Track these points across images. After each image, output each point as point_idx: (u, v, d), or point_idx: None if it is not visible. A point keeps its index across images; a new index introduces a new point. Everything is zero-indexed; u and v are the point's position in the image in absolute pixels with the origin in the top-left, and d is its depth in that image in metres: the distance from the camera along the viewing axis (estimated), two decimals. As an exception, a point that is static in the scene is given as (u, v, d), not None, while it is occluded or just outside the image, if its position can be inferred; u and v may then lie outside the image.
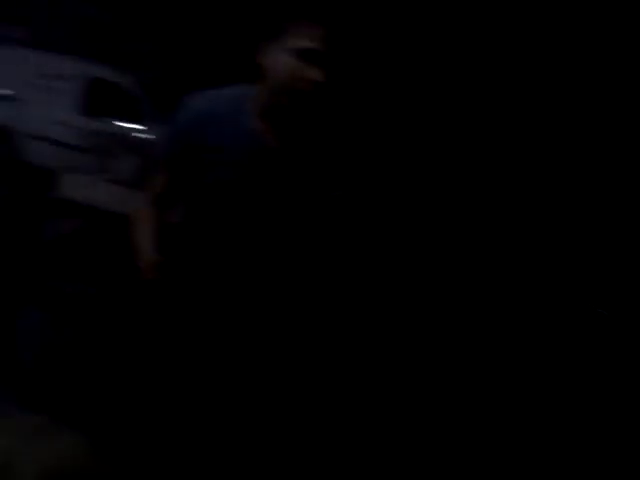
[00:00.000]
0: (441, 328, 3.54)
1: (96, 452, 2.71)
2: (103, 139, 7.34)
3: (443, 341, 3.46)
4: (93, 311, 4.13)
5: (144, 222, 2.05)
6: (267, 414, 2.04)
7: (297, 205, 1.93)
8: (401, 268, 3.70)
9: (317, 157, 1.94)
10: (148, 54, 10.00)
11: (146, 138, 7.99)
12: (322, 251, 2.03)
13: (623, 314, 3.59)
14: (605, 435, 3.28)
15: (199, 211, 2.01)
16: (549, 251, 3.78)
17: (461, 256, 3.83)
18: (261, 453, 2.06)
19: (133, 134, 8.11)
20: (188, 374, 2.04)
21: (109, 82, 8.56)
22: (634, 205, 3.93)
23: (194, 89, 1.95)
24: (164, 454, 2.10)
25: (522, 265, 3.76)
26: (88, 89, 8.61)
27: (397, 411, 3.02)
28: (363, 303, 3.48)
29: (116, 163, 6.93)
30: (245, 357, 2.00)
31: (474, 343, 3.51)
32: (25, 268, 4.54)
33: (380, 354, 3.37)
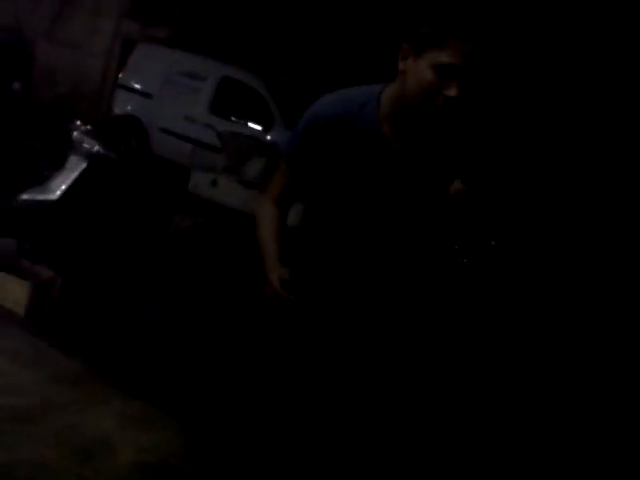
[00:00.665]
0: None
1: (193, 445, 2.79)
2: (234, 139, 7.54)
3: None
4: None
5: (269, 223, 2.05)
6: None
7: (415, 210, 1.92)
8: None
9: (437, 167, 1.91)
10: (279, 57, 10.19)
11: (274, 140, 8.16)
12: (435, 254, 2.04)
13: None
14: (605, 432, 3.12)
15: (320, 212, 2.02)
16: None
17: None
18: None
19: (262, 136, 8.31)
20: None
21: (242, 84, 8.81)
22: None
23: (322, 92, 1.96)
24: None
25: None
26: (221, 89, 8.90)
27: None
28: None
29: (245, 164, 7.09)
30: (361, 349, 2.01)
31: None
32: (145, 258, 4.73)
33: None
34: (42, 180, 4.17)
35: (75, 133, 4.35)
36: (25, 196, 4.07)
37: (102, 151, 4.35)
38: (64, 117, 4.34)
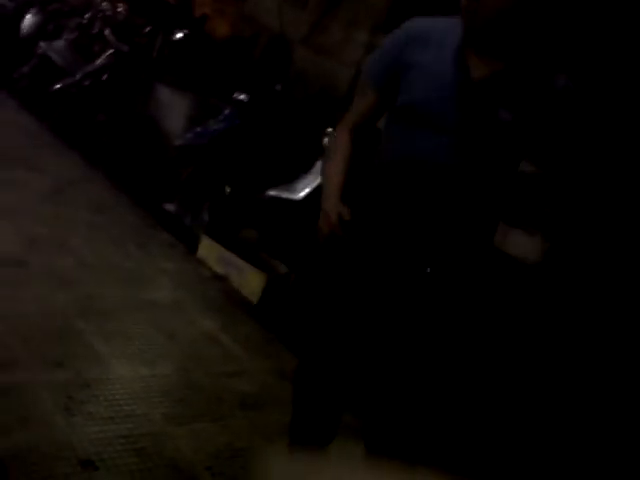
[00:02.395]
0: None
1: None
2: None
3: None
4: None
5: (339, 155, 2.06)
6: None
7: (486, 137, 1.83)
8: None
9: (512, 121, 1.82)
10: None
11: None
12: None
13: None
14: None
15: (391, 132, 1.98)
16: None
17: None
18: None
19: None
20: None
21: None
22: None
23: None
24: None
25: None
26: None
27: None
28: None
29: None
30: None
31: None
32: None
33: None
34: (291, 179, 4.37)
35: (326, 139, 4.52)
36: (272, 192, 4.30)
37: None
38: (313, 119, 4.53)
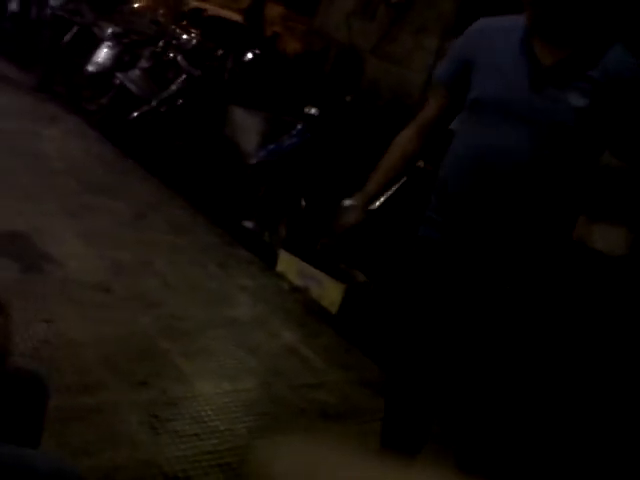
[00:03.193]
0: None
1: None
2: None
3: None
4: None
5: (396, 150, 2.05)
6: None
7: (562, 125, 1.78)
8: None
9: (589, 107, 1.77)
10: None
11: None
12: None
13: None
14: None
15: (463, 130, 1.95)
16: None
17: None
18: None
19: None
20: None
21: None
22: None
23: None
24: None
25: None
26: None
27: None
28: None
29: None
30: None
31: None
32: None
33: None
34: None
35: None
36: (347, 203, 4.29)
37: (422, 166, 4.43)
38: (385, 127, 4.51)
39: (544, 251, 1.91)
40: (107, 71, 6.00)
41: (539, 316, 1.97)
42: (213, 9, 8.88)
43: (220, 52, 6.14)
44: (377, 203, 4.24)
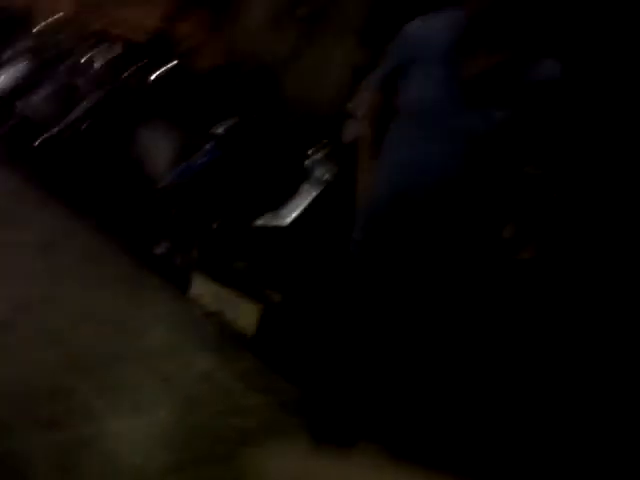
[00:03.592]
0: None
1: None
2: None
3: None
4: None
5: (367, 154, 2.11)
6: None
7: (481, 136, 1.82)
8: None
9: (507, 123, 1.80)
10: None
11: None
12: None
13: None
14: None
15: (391, 138, 1.99)
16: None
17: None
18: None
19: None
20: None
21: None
22: None
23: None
24: None
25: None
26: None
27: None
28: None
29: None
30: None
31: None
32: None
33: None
34: (277, 205, 4.33)
35: (307, 161, 4.48)
36: (259, 222, 4.26)
37: (332, 179, 4.43)
38: (296, 143, 4.51)
39: (469, 264, 1.93)
40: (6, 98, 5.80)
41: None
42: (120, 31, 8.72)
43: (125, 73, 6.02)
44: (288, 220, 4.23)
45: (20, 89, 5.89)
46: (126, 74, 6.06)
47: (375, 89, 2.11)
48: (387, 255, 1.95)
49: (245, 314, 3.61)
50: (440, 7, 1.95)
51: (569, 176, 2.58)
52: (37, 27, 8.35)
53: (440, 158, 1.82)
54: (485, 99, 1.80)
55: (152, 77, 6.06)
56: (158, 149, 5.27)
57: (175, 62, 6.86)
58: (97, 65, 6.23)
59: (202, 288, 3.87)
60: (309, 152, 4.54)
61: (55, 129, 5.34)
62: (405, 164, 1.89)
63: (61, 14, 8.30)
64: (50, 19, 8.25)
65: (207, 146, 4.73)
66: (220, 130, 4.71)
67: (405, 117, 1.91)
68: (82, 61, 6.29)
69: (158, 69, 6.17)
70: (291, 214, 4.22)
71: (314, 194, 4.34)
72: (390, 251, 1.95)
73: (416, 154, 1.86)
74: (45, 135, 5.32)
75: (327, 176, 4.44)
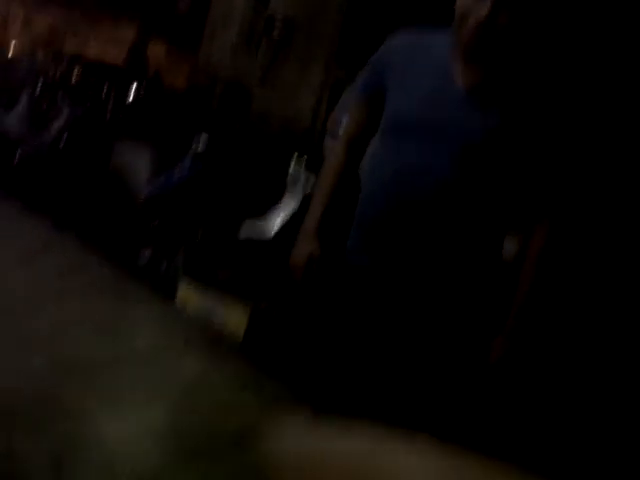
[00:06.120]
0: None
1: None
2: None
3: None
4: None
5: (329, 178, 2.05)
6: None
7: (476, 147, 1.80)
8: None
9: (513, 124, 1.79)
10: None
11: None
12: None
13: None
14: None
15: (379, 150, 1.95)
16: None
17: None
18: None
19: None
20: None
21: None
22: None
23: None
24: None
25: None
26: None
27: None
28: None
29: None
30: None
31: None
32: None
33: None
34: (261, 215, 4.34)
35: (290, 174, 4.50)
36: (243, 234, 4.27)
37: (313, 191, 4.45)
38: (277, 154, 4.52)
39: (474, 274, 1.90)
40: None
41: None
42: (93, 53, 8.75)
43: (101, 91, 6.03)
44: (272, 232, 4.23)
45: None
46: (103, 92, 6.06)
47: (360, 100, 2.07)
48: (384, 261, 1.92)
49: (233, 318, 3.58)
50: (412, 24, 1.96)
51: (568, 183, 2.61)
52: (11, 50, 8.36)
53: (438, 160, 1.80)
54: (479, 108, 1.79)
55: (127, 95, 6.07)
56: (137, 163, 5.26)
57: (148, 82, 6.90)
58: (73, 83, 6.22)
59: (188, 294, 3.83)
60: (289, 165, 4.57)
61: (32, 146, 5.32)
62: (402, 172, 1.86)
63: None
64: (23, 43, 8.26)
65: (186, 160, 4.73)
66: (198, 144, 4.71)
67: (398, 126, 1.89)
68: (58, 80, 6.28)
69: (132, 87, 6.19)
70: (274, 227, 4.23)
71: (295, 206, 4.37)
72: (388, 257, 1.91)
73: (414, 157, 1.83)
74: (23, 151, 5.30)
75: (308, 188, 4.46)
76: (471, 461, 0.43)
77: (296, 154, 4.48)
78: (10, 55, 8.09)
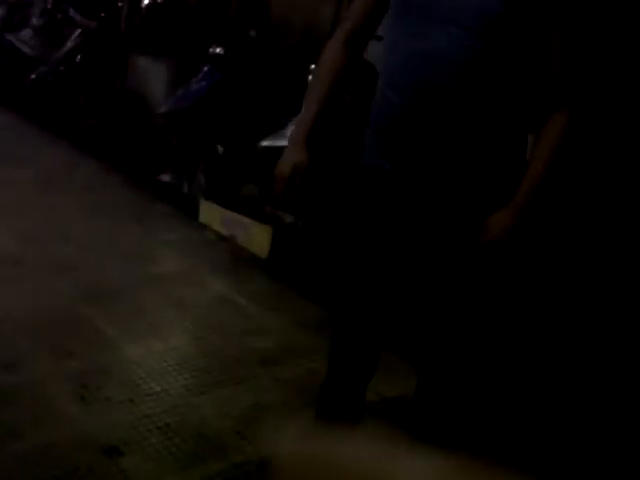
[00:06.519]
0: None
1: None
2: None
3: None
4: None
5: (326, 68, 1.86)
6: None
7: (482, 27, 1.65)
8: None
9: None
10: None
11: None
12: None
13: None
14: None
15: (392, 35, 1.80)
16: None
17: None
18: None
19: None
20: None
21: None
22: None
23: None
24: None
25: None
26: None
27: None
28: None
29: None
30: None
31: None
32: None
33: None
34: (282, 126, 4.21)
35: (310, 77, 4.33)
36: (265, 143, 4.14)
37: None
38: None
39: (499, 174, 1.80)
40: (-4, 33, 5.62)
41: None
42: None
43: (114, 1, 5.82)
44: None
45: (9, 25, 5.71)
46: (114, 2, 5.85)
47: None
48: (408, 166, 1.80)
49: (257, 237, 3.53)
50: None
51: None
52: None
53: (450, 43, 1.67)
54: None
55: (141, 4, 5.85)
56: (154, 76, 5.12)
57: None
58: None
59: (211, 214, 3.78)
60: (311, 67, 4.40)
61: (49, 63, 5.19)
62: (423, 56, 1.72)
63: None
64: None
65: (204, 69, 4.57)
66: (217, 51, 4.53)
67: (405, 9, 1.74)
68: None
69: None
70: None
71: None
72: (412, 162, 1.80)
73: (425, 42, 1.69)
74: (40, 70, 5.18)
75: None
76: (473, 464, 0.38)
77: (315, 65, 4.31)
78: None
